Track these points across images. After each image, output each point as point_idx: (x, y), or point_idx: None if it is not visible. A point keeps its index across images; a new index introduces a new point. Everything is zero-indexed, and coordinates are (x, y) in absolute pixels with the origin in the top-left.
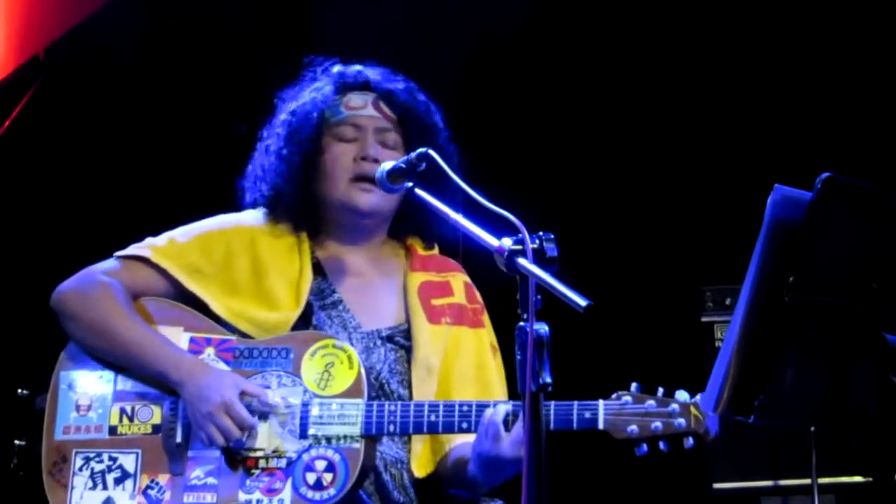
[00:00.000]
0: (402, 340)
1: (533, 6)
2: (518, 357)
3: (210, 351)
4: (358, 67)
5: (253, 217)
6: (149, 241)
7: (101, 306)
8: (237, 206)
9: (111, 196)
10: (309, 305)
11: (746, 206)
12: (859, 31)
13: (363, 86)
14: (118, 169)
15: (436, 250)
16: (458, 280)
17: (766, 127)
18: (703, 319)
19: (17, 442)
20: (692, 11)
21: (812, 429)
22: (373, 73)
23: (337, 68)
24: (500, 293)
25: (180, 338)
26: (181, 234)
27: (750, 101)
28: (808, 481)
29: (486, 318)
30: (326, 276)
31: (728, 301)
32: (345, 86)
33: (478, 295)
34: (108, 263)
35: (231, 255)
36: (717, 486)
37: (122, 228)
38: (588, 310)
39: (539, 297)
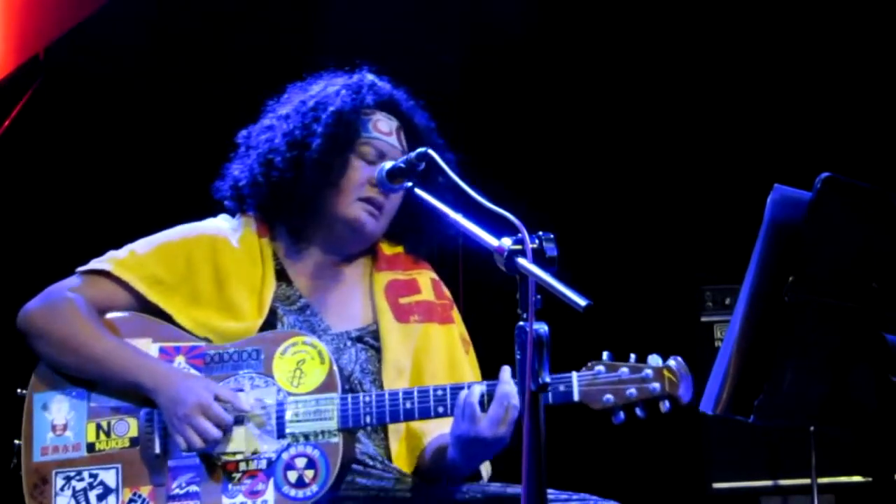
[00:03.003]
0: (371, 341)
1: (533, 6)
2: (518, 357)
3: (180, 359)
4: (388, 87)
5: (214, 226)
6: (110, 254)
7: (68, 322)
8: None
9: (111, 196)
10: (273, 313)
11: (746, 206)
12: (859, 31)
13: (391, 108)
14: (118, 169)
15: (401, 248)
16: (425, 277)
17: (766, 127)
18: (703, 319)
19: (17, 442)
20: (692, 11)
21: (812, 429)
22: (402, 100)
23: (370, 77)
24: (500, 293)
25: (150, 349)
26: (142, 245)
27: (750, 101)
28: (807, 481)
29: (455, 313)
30: (291, 282)
31: (728, 301)
32: (376, 102)
33: (446, 291)
34: (71, 280)
35: (192, 266)
36: (716, 485)
37: (122, 228)
38: (588, 309)
39: (539, 296)
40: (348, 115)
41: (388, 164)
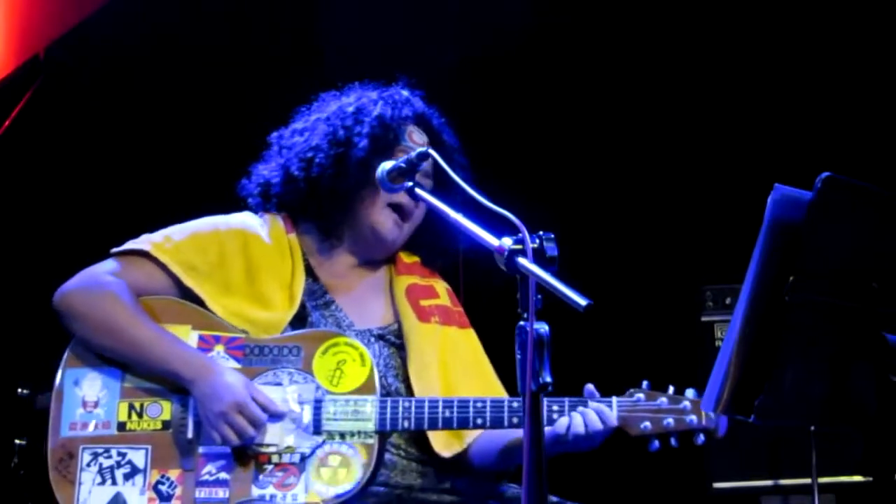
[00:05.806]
0: (392, 339)
1: (534, 6)
2: (518, 357)
3: (220, 348)
4: (421, 103)
5: (242, 220)
6: (146, 237)
7: (108, 306)
8: (235, 207)
9: (111, 196)
10: (303, 306)
11: (746, 206)
12: (859, 31)
13: (423, 123)
14: (117, 169)
15: (418, 259)
16: (441, 285)
17: (766, 127)
18: (703, 319)
19: (17, 441)
20: (692, 12)
21: (812, 429)
22: (434, 117)
23: (404, 92)
24: (501, 293)
25: (189, 335)
26: (177, 231)
27: (750, 101)
28: (808, 481)
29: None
30: (318, 279)
31: (728, 301)
32: (412, 115)
33: (457, 300)
34: (109, 264)
35: (225, 256)
36: (717, 485)
37: (121, 228)
38: (588, 309)
39: (539, 296)
40: (389, 121)
41: (388, 164)
